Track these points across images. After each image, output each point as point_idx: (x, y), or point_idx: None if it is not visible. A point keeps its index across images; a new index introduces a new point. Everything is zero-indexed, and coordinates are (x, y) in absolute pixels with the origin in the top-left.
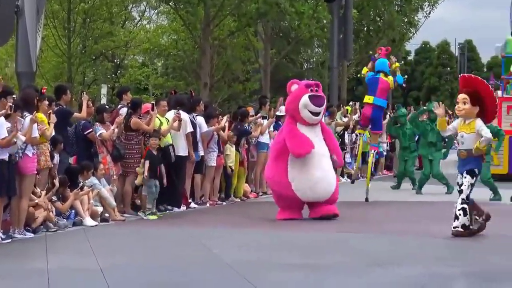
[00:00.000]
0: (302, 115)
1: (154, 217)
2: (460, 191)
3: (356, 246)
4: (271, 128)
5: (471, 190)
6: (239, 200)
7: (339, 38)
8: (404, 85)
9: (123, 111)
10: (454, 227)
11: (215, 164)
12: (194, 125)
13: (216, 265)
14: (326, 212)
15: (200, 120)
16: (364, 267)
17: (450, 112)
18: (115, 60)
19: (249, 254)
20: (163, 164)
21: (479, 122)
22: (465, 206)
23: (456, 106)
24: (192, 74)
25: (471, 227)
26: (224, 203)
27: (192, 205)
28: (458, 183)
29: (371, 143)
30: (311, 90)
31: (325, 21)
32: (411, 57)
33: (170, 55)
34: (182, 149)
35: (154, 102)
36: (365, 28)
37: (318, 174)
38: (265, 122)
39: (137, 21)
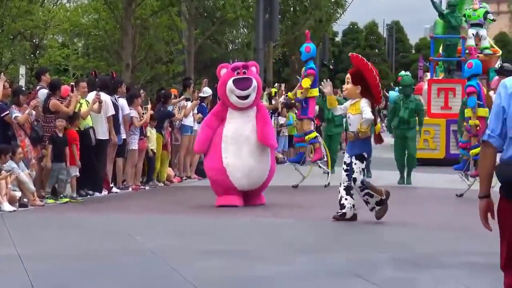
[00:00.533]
0: (231, 100)
1: (52, 201)
2: (354, 180)
3: (283, 232)
4: (195, 111)
5: (363, 174)
6: (163, 185)
7: (265, 19)
8: (331, 66)
9: (42, 92)
10: (370, 209)
11: (137, 148)
12: (116, 107)
13: (139, 252)
14: (259, 202)
15: (122, 102)
16: (292, 254)
17: None
18: (34, 40)
19: (173, 240)
20: (85, 147)
21: (363, 102)
22: (366, 190)
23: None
24: (114, 55)
25: (382, 198)
26: (147, 187)
27: (114, 189)
28: (345, 162)
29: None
30: (237, 73)
31: (250, 1)
32: (338, 38)
33: (90, 35)
34: (103, 132)
35: (73, 84)
36: (292, 9)
37: (252, 162)
38: (189, 104)
39: (56, 0)
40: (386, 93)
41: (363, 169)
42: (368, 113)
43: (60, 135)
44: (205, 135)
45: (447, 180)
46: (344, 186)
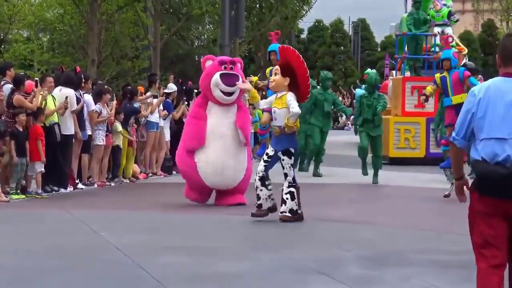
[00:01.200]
0: (214, 94)
1: (17, 196)
2: (285, 175)
3: (249, 230)
4: (161, 107)
5: (293, 170)
6: (128, 181)
7: (231, 15)
8: None
9: (7, 87)
10: (281, 212)
11: (103, 143)
12: (79, 100)
13: (104, 249)
14: (232, 201)
15: (88, 98)
16: (256, 251)
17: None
18: None
19: (138, 236)
20: (50, 143)
21: (289, 96)
22: (292, 189)
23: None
24: (79, 50)
25: (299, 211)
26: (112, 183)
27: (80, 185)
28: (267, 153)
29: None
30: (225, 68)
31: None
32: (304, 36)
33: (56, 30)
34: (68, 128)
35: (38, 79)
36: (257, 5)
37: (226, 160)
38: (155, 101)
39: None
40: (353, 90)
41: (292, 165)
42: (295, 107)
43: (21, 129)
44: (200, 128)
45: (424, 180)
46: (259, 176)
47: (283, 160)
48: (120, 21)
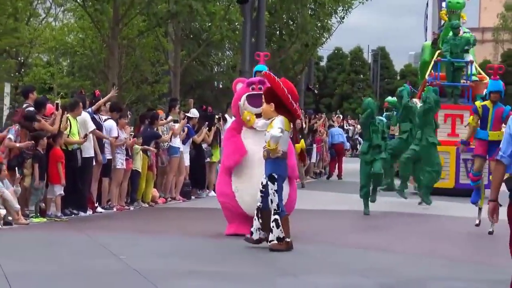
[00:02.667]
0: (243, 117)
1: (37, 220)
2: (271, 201)
3: (266, 254)
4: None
5: (280, 197)
6: (147, 205)
7: (251, 41)
8: (316, 91)
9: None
10: (270, 241)
11: (122, 167)
12: (100, 126)
13: (123, 272)
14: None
15: (111, 124)
16: (274, 276)
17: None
18: (19, 58)
19: (157, 261)
20: (71, 167)
21: (277, 120)
22: (277, 217)
23: None
24: (99, 74)
25: (286, 239)
26: (131, 207)
27: (99, 209)
28: (261, 182)
29: None
30: (252, 89)
31: (236, 23)
32: (323, 63)
33: (76, 54)
34: (88, 151)
35: (58, 102)
36: (278, 32)
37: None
38: (177, 125)
39: (42, 18)
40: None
41: (276, 191)
42: (274, 130)
43: (42, 152)
44: (237, 142)
45: (448, 208)
46: (257, 206)
47: (267, 185)
48: (141, 46)
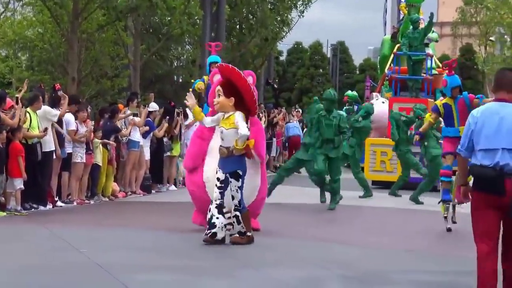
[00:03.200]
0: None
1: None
2: (232, 197)
3: (228, 248)
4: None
5: (241, 193)
6: (107, 199)
7: (211, 36)
8: (275, 85)
9: None
10: (231, 235)
11: (82, 161)
12: (60, 120)
13: (84, 266)
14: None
15: (69, 117)
16: (236, 269)
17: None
18: None
19: (119, 254)
20: (31, 161)
21: (238, 117)
22: (238, 213)
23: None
24: (59, 68)
25: (248, 233)
26: (91, 202)
27: (59, 203)
28: (218, 178)
29: None
30: None
31: (196, 17)
32: (283, 58)
33: (36, 48)
34: (47, 145)
35: (18, 96)
36: (238, 26)
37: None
38: (136, 119)
39: (0, 13)
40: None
41: (239, 187)
42: (244, 129)
43: (1, 146)
44: (197, 148)
45: (404, 202)
46: (216, 204)
47: (230, 182)
48: (101, 40)
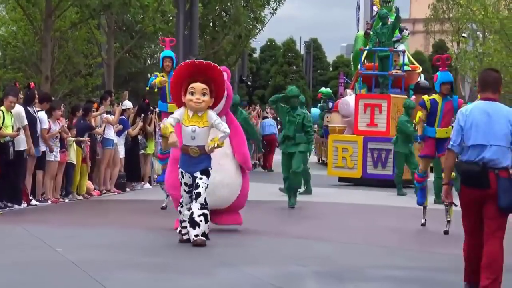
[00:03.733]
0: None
1: None
2: (198, 194)
3: (207, 245)
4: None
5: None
6: (82, 198)
7: (184, 33)
8: (249, 83)
9: None
10: (195, 235)
11: (56, 160)
12: (34, 119)
13: (60, 264)
14: (229, 222)
15: (42, 115)
16: (214, 266)
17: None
18: None
19: (94, 252)
20: (3, 159)
21: (212, 115)
22: (206, 211)
23: (194, 97)
24: (32, 67)
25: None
26: (66, 200)
27: (33, 202)
28: (186, 183)
29: None
30: None
31: (170, 15)
32: (256, 55)
33: (8, 47)
34: (21, 144)
35: None
36: (211, 23)
37: (217, 177)
38: (110, 117)
39: None
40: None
41: (207, 185)
42: (227, 128)
43: None
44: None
45: (375, 197)
46: (188, 207)
47: (200, 178)
48: (74, 38)
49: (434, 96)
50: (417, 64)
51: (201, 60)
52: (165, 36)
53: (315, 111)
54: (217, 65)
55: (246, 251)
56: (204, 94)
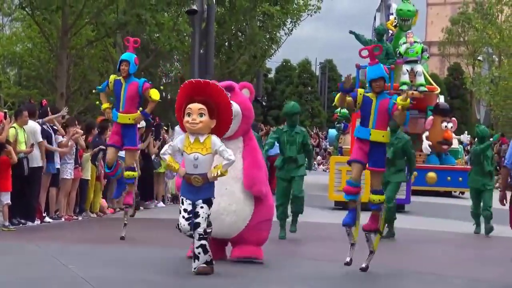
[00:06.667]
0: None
1: None
2: (197, 224)
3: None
4: None
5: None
6: (95, 216)
7: (200, 52)
8: (264, 103)
9: None
10: (194, 268)
11: (70, 177)
12: (50, 136)
13: (73, 282)
14: (243, 254)
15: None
16: (225, 285)
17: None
18: None
19: (107, 270)
20: (17, 176)
21: (216, 140)
22: (204, 242)
23: (190, 119)
24: (48, 84)
25: (213, 261)
26: (80, 218)
27: (47, 219)
28: (185, 209)
29: None
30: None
31: (185, 34)
32: (271, 75)
33: (24, 64)
34: (36, 160)
35: (6, 111)
36: (227, 43)
37: (222, 203)
38: None
39: None
40: (319, 132)
41: (208, 215)
42: (232, 155)
43: None
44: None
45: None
46: (189, 235)
47: (201, 207)
48: (89, 56)
49: (369, 94)
50: (435, 85)
51: (199, 79)
52: (180, 55)
53: (332, 132)
54: (216, 83)
55: (256, 271)
56: (201, 115)
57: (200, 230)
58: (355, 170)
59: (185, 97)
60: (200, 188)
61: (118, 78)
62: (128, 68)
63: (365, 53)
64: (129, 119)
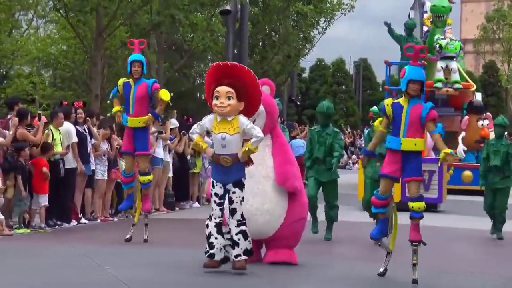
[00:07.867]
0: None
1: (21, 231)
2: (233, 211)
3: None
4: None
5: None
6: (131, 217)
7: (234, 53)
8: (298, 102)
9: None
10: (235, 257)
11: (104, 178)
12: (84, 137)
13: (109, 283)
14: (276, 258)
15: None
16: (259, 285)
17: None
18: (1, 70)
19: (143, 271)
20: (53, 178)
21: (243, 120)
22: (244, 227)
23: (218, 102)
24: (82, 85)
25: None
26: (115, 219)
27: (83, 220)
28: (216, 193)
29: None
30: None
31: (219, 34)
32: (305, 74)
33: (59, 65)
34: (70, 162)
35: (40, 113)
36: (260, 43)
37: (255, 204)
38: (163, 136)
39: (24, 30)
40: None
41: (243, 198)
42: (260, 132)
43: (24, 163)
44: None
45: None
46: (216, 222)
47: (234, 192)
48: (124, 57)
49: (399, 99)
50: (471, 82)
51: (226, 62)
52: (214, 56)
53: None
54: (245, 66)
55: (293, 271)
56: (229, 98)
57: (237, 215)
58: (384, 184)
59: (213, 80)
60: (230, 169)
61: (127, 80)
62: (142, 69)
63: (410, 51)
64: (139, 122)
